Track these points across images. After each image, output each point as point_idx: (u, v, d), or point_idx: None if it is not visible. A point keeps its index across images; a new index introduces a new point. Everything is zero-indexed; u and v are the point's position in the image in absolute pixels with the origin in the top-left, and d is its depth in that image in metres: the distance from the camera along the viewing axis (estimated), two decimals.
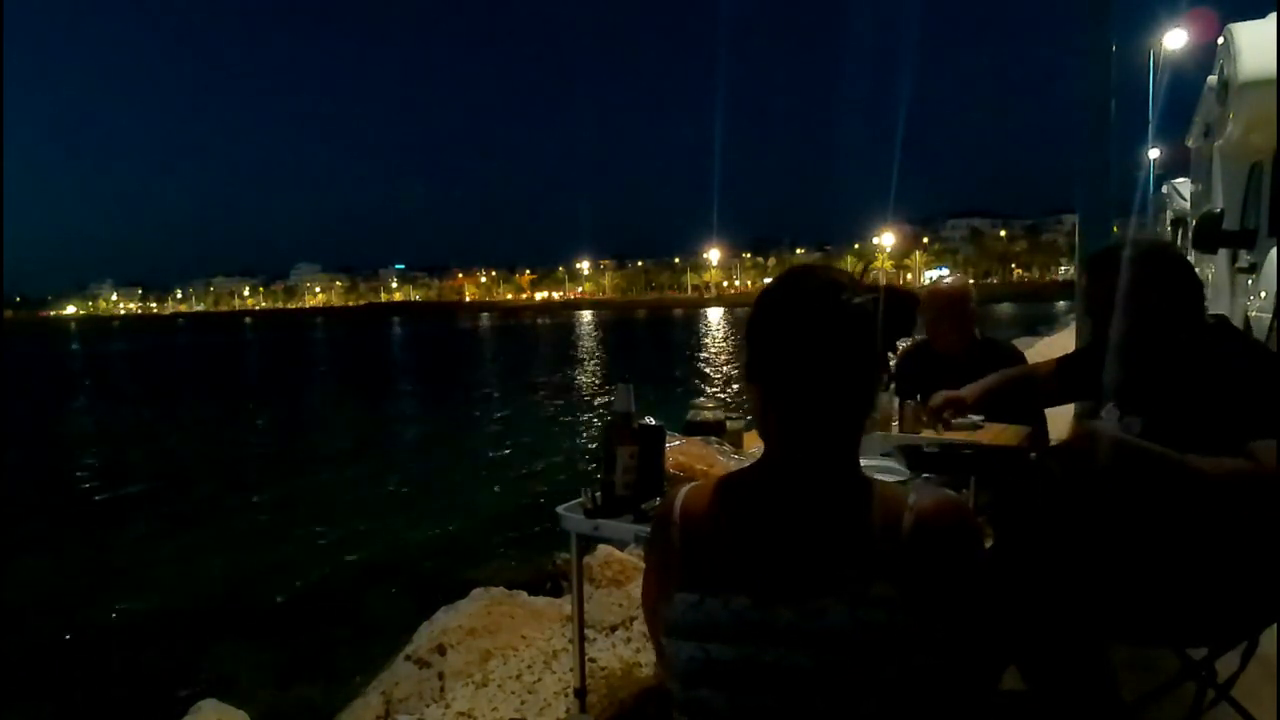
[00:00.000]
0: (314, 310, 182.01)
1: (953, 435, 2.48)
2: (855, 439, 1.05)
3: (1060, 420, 2.93)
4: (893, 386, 2.86)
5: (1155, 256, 1.77)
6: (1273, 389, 1.61)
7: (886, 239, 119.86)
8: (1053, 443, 2.88)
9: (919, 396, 2.71)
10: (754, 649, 0.99)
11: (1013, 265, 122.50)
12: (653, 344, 41.44)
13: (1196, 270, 1.85)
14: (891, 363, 1.08)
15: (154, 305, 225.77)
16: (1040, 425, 2.92)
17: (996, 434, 2.54)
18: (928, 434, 2.51)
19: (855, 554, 0.98)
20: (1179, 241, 10.21)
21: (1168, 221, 12.54)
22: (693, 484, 1.13)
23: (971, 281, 3.86)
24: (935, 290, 3.29)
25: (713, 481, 1.11)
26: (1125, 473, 1.65)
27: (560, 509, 2.10)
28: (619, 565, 4.06)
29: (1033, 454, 2.48)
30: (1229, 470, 1.57)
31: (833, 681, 0.96)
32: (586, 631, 2.73)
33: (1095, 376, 1.94)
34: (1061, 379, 2.26)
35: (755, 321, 1.05)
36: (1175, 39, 15.37)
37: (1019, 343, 11.03)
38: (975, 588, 1.00)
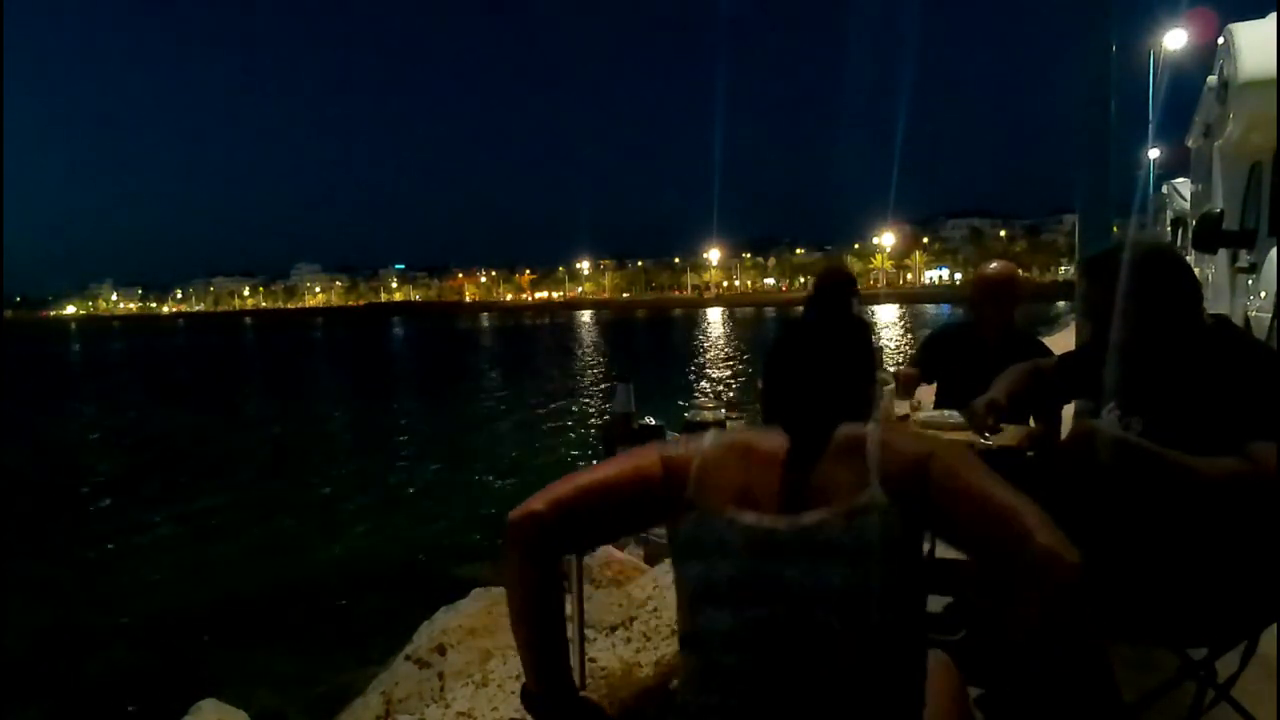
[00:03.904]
0: (314, 310, 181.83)
1: (952, 436, 2.48)
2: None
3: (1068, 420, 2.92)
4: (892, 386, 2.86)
5: (1153, 258, 1.76)
6: (1272, 389, 1.61)
7: (886, 239, 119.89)
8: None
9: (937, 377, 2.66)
10: (755, 563, 1.07)
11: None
12: (652, 344, 41.43)
13: (1196, 270, 1.85)
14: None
15: (154, 305, 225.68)
16: (1053, 424, 2.91)
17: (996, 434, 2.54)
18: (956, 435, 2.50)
19: (847, 471, 1.09)
20: (1179, 241, 10.21)
21: (1168, 221, 12.55)
22: (712, 443, 1.19)
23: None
24: (982, 273, 3.29)
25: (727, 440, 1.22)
26: (1124, 471, 1.65)
27: None
28: (619, 565, 4.06)
29: (1030, 453, 2.47)
30: (1227, 471, 1.57)
31: (831, 592, 1.03)
32: (586, 631, 2.73)
33: (1093, 377, 1.94)
34: (1063, 377, 2.26)
35: (768, 374, 1.25)
36: (1175, 39, 15.40)
37: None
38: (965, 483, 1.06)
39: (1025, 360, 2.47)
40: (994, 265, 3.32)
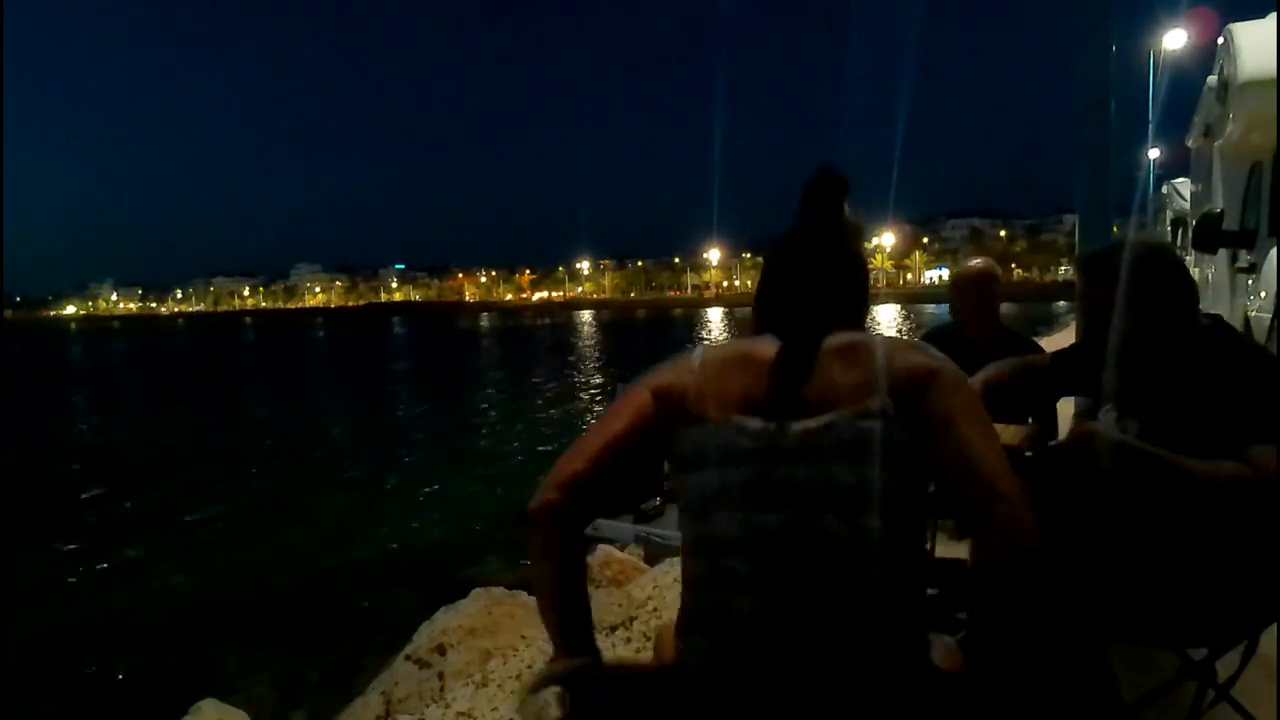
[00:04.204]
0: (314, 310, 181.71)
1: None
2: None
3: (1065, 419, 2.92)
4: None
5: (1148, 258, 1.76)
6: (1270, 392, 1.61)
7: (886, 239, 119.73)
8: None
9: None
10: (765, 467, 1.07)
11: (1013, 265, 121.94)
12: (653, 344, 41.42)
13: (1195, 270, 1.85)
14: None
15: (154, 305, 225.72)
16: (1048, 423, 2.90)
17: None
18: None
19: (853, 376, 1.09)
20: (1179, 241, 10.20)
21: (1168, 221, 12.54)
22: (705, 357, 1.19)
23: None
24: (961, 271, 3.25)
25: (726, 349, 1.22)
26: (1123, 473, 1.65)
27: None
28: (619, 565, 4.07)
29: (1028, 453, 2.47)
30: (1227, 474, 1.57)
31: (839, 495, 1.04)
32: None
33: (1089, 373, 1.94)
34: (1056, 372, 2.26)
35: (761, 285, 1.25)
36: (1175, 39, 15.37)
37: None
38: (958, 401, 1.09)
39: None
40: (970, 263, 3.28)
